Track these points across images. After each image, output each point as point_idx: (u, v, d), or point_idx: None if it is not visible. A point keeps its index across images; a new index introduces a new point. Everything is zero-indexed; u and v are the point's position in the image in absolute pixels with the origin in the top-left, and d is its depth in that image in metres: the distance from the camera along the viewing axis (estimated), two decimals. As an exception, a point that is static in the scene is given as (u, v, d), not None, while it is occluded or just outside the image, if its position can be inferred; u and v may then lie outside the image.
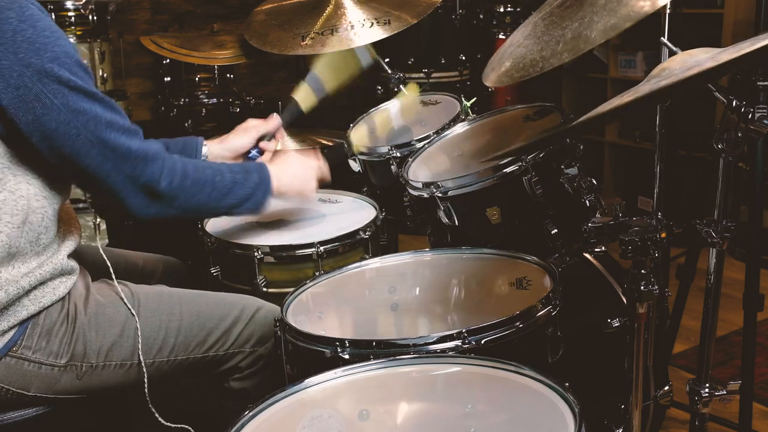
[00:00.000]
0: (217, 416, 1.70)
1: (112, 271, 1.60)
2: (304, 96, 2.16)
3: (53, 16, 3.28)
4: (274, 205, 1.74)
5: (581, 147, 1.78)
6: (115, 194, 1.46)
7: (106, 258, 1.63)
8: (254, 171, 1.67)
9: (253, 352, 1.65)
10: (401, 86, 2.59)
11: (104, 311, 1.52)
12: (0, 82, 1.29)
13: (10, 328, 1.42)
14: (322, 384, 1.26)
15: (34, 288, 1.43)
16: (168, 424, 1.56)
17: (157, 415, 1.55)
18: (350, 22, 2.58)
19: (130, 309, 1.54)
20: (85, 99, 1.37)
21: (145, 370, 1.53)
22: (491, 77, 1.52)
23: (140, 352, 1.52)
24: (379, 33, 2.55)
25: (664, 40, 1.64)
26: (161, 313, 1.57)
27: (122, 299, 1.56)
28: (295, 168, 1.81)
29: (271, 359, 1.67)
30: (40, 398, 1.49)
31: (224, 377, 1.67)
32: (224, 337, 1.62)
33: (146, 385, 1.54)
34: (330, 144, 2.82)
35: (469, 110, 2.28)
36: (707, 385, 1.42)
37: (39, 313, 1.45)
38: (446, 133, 2.16)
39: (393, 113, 2.38)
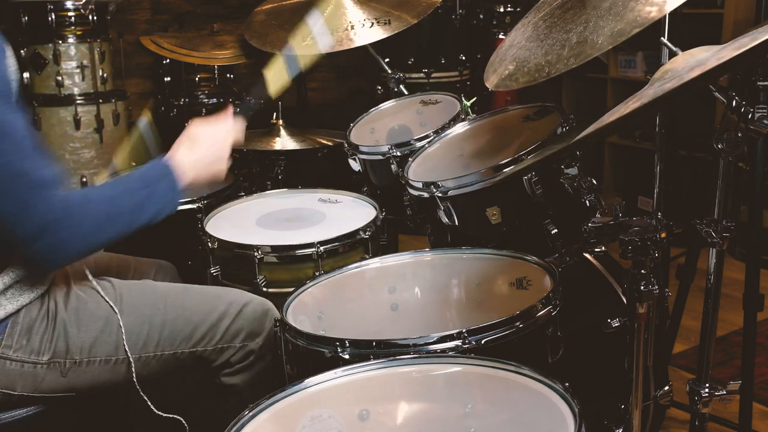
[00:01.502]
0: (210, 413, 1.70)
1: (88, 271, 1.59)
2: (276, 74, 1.95)
3: (53, 16, 3.33)
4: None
5: (581, 147, 1.79)
6: (13, 249, 1.34)
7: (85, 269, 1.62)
8: (162, 178, 1.50)
9: (243, 347, 1.64)
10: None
11: (86, 306, 1.52)
12: None
13: None
14: (322, 384, 1.25)
15: (11, 286, 1.42)
16: (159, 412, 1.56)
17: (149, 402, 1.55)
18: (350, 22, 2.58)
19: (110, 304, 1.53)
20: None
21: (132, 362, 1.52)
22: (493, 79, 1.52)
23: (125, 347, 1.51)
24: (379, 33, 2.55)
25: (664, 40, 1.64)
26: (144, 308, 1.56)
27: (104, 294, 1.54)
28: (205, 150, 1.60)
29: (262, 354, 1.66)
30: (28, 398, 1.48)
31: (216, 374, 1.66)
32: (211, 332, 1.61)
33: (134, 374, 1.53)
34: (331, 144, 2.82)
35: (469, 110, 2.28)
36: (707, 385, 1.42)
37: (18, 311, 1.44)
38: (446, 133, 2.16)
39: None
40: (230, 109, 1.75)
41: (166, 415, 1.57)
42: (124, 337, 1.51)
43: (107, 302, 1.53)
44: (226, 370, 1.65)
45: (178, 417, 1.58)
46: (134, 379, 1.53)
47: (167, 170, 1.52)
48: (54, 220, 1.30)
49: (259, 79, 1.95)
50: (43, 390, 1.49)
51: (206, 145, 1.62)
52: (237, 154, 2.80)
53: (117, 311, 1.52)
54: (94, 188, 1.49)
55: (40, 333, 1.46)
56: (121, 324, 1.52)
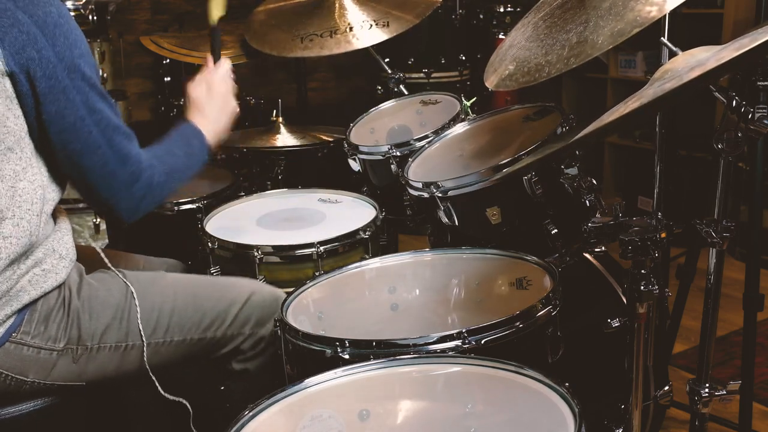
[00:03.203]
0: (216, 400, 1.71)
1: (104, 257, 1.64)
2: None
3: (53, 16, 3.33)
4: None
5: (581, 147, 1.79)
6: (108, 197, 1.49)
7: (102, 254, 1.65)
8: (191, 136, 1.70)
9: (253, 334, 1.67)
10: None
11: (97, 294, 1.55)
12: (39, 71, 1.35)
13: (12, 314, 1.44)
14: (322, 384, 1.25)
15: (34, 268, 1.45)
16: (165, 394, 1.58)
17: (157, 384, 1.57)
18: (349, 23, 2.58)
19: (124, 291, 1.56)
20: (99, 99, 1.43)
21: (145, 347, 1.55)
22: (493, 79, 1.52)
23: (141, 330, 1.54)
24: (378, 35, 2.56)
25: (664, 40, 1.64)
26: (154, 295, 1.59)
27: (116, 283, 1.58)
28: (213, 111, 1.79)
29: (272, 340, 1.67)
30: (39, 386, 1.50)
31: (226, 360, 1.68)
32: (220, 319, 1.63)
33: (145, 354, 1.55)
34: (331, 140, 2.83)
35: (469, 110, 2.28)
36: (707, 385, 1.42)
37: (39, 298, 1.47)
38: (446, 133, 2.16)
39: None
40: (210, 62, 1.88)
41: (172, 397, 1.59)
42: (139, 319, 1.54)
43: (125, 283, 1.57)
44: (239, 357, 1.68)
45: (184, 401, 1.60)
46: (145, 360, 1.55)
47: (196, 130, 1.71)
48: (142, 161, 1.50)
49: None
50: (55, 378, 1.51)
51: (211, 105, 1.79)
52: (238, 154, 2.84)
53: (133, 293, 1.56)
54: (160, 146, 1.63)
55: (56, 321, 1.49)
56: (138, 309, 1.55)
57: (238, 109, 1.85)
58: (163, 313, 1.58)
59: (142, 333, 1.55)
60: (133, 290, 1.57)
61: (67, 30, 1.39)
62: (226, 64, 1.88)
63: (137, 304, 1.55)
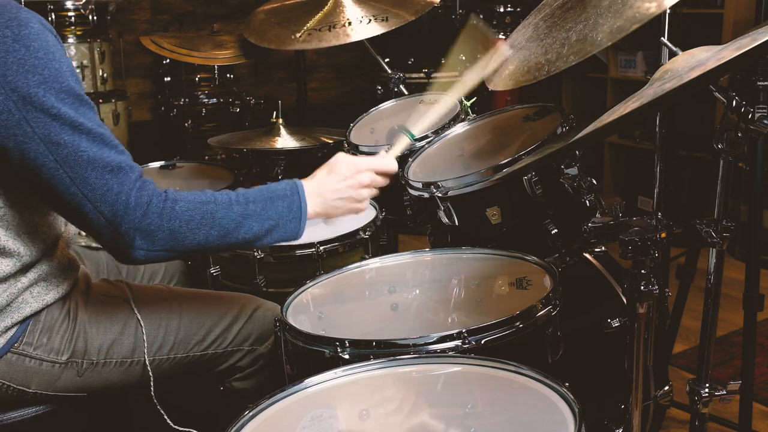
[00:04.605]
0: (219, 417, 1.70)
1: (105, 269, 1.62)
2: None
3: (53, 16, 3.33)
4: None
5: (581, 147, 1.78)
6: (96, 235, 1.35)
7: (104, 259, 1.64)
8: (281, 197, 1.43)
9: (252, 351, 1.66)
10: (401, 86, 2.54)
11: (105, 309, 1.54)
12: None
13: (13, 325, 1.43)
14: (322, 384, 1.26)
15: (36, 284, 1.44)
16: (176, 427, 1.56)
17: (165, 417, 1.56)
18: (348, 19, 2.59)
19: (132, 307, 1.55)
20: (68, 130, 1.28)
21: (150, 370, 1.54)
22: (494, 79, 1.52)
23: (145, 349, 1.53)
24: (376, 29, 2.56)
25: (664, 40, 1.64)
26: (161, 311, 1.58)
27: (123, 298, 1.57)
28: (340, 181, 1.52)
29: (271, 358, 1.67)
30: (41, 396, 1.49)
31: (224, 377, 1.68)
32: (223, 335, 1.62)
33: (152, 387, 1.54)
34: (330, 142, 2.82)
35: (469, 110, 2.28)
36: (707, 385, 1.42)
37: (41, 310, 1.46)
38: (446, 133, 2.16)
39: None
40: (383, 151, 1.67)
41: (182, 429, 1.57)
42: (145, 340, 1.53)
43: (128, 305, 1.55)
44: (237, 375, 1.67)
45: (192, 431, 1.58)
46: (151, 385, 1.54)
47: (294, 192, 1.45)
48: (137, 204, 1.31)
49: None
50: (58, 389, 1.50)
51: (341, 176, 1.52)
52: (238, 153, 2.84)
53: (137, 314, 1.54)
54: (200, 192, 1.41)
55: (60, 333, 1.48)
56: (143, 327, 1.54)
57: (356, 210, 1.56)
58: (170, 330, 1.57)
59: (145, 351, 1.53)
60: (138, 312, 1.55)
61: (24, 55, 1.25)
62: (390, 164, 1.60)
63: (141, 323, 1.54)
